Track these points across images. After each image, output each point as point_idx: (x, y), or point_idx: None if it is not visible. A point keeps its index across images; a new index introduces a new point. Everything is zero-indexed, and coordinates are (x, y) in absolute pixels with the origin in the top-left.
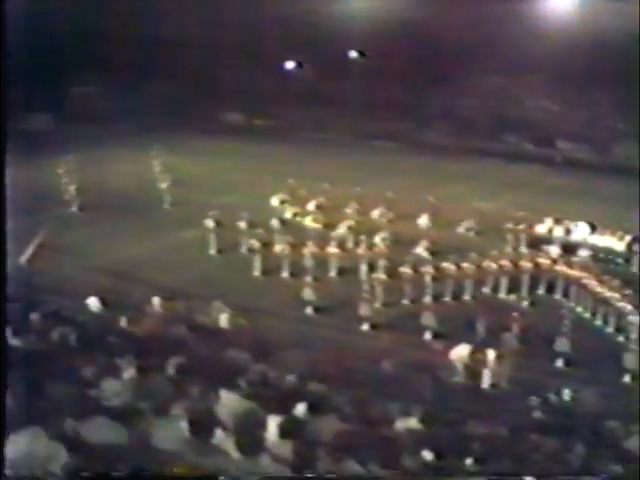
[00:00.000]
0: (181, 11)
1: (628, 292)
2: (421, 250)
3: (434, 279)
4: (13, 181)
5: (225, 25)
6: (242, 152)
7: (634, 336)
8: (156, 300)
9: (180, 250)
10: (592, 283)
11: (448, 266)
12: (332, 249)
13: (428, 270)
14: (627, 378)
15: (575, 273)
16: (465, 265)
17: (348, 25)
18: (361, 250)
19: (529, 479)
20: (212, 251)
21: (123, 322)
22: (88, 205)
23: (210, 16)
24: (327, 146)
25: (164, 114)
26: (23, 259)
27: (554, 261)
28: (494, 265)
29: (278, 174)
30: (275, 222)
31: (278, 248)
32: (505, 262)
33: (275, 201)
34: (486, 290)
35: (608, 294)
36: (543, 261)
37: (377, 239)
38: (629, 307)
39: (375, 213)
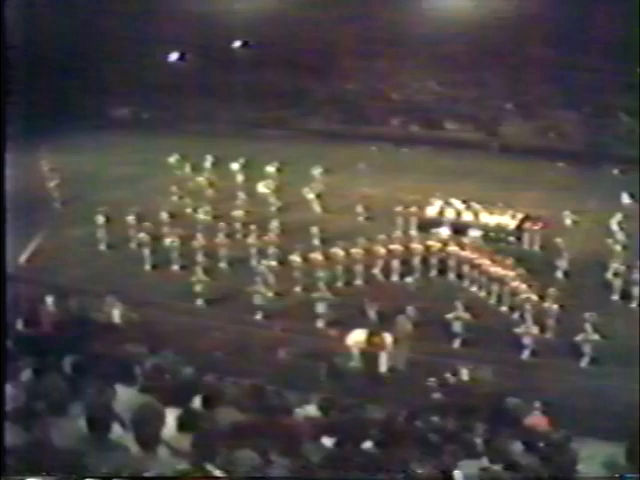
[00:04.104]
0: (64, 5)
1: (521, 270)
2: (311, 237)
3: (325, 266)
4: None
5: (109, 18)
6: (130, 146)
7: (528, 314)
8: (49, 299)
9: (71, 247)
10: (485, 263)
11: (338, 252)
12: (222, 240)
13: (318, 257)
14: (524, 355)
15: (467, 254)
16: (355, 250)
17: (231, 15)
18: (251, 240)
19: None
20: (103, 247)
21: (19, 325)
22: None
23: (93, 9)
24: (214, 137)
25: (48, 112)
26: (23, 259)
27: (445, 243)
28: (384, 249)
29: (166, 167)
30: (164, 215)
31: (168, 241)
32: (396, 246)
33: (164, 194)
34: (378, 274)
35: (502, 273)
36: (434, 243)
37: (266, 228)
38: (523, 285)
39: (264, 202)
